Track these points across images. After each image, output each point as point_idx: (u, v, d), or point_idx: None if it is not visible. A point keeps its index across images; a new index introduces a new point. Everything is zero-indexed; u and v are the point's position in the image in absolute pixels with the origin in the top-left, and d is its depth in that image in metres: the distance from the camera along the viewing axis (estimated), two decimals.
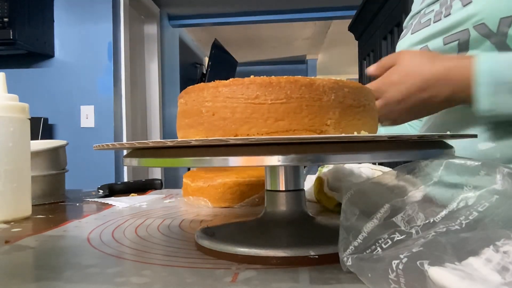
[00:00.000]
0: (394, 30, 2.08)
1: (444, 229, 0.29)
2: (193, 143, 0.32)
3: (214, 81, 0.39)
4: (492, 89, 0.50)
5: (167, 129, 3.56)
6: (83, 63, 2.57)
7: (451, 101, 0.55)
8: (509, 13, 0.54)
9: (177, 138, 0.39)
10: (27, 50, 2.40)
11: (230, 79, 0.38)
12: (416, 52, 0.61)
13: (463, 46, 0.60)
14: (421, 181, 0.34)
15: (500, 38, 0.56)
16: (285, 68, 6.02)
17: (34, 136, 0.74)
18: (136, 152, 0.41)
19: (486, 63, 0.51)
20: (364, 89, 0.40)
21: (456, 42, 0.60)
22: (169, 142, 0.33)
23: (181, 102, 0.41)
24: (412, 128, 0.83)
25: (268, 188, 0.45)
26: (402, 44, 0.71)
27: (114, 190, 0.91)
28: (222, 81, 0.38)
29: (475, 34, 0.58)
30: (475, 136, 0.40)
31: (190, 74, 4.61)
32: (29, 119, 0.63)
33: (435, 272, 0.25)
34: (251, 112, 0.36)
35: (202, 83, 0.40)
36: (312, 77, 0.38)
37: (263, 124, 0.36)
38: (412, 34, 0.69)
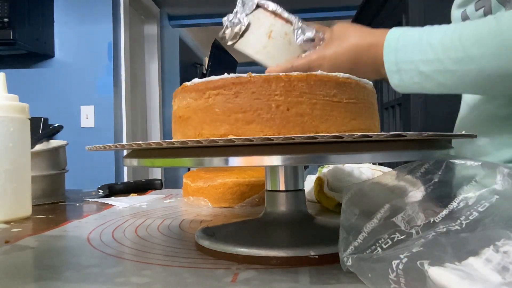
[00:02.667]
0: None
1: (444, 229, 0.29)
2: (191, 144, 0.32)
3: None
4: (395, 66, 0.52)
5: (167, 129, 3.55)
6: (83, 63, 2.57)
7: (380, 74, 0.56)
8: None
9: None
10: (27, 50, 2.39)
11: (305, 73, 0.37)
12: (348, 24, 0.62)
13: (488, 14, 0.59)
14: (421, 181, 0.34)
15: None
16: None
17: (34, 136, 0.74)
18: (136, 152, 0.41)
19: (392, 40, 0.53)
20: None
21: (482, 10, 0.60)
22: (164, 143, 0.33)
23: (222, 94, 0.37)
24: None
25: (268, 188, 0.45)
26: (454, 4, 0.70)
27: (114, 190, 0.91)
28: (295, 74, 0.36)
29: (495, 1, 0.57)
30: (474, 136, 0.40)
31: (190, 74, 4.61)
32: (29, 119, 0.63)
33: (435, 272, 0.25)
34: (331, 110, 0.36)
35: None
36: (361, 79, 0.40)
37: (342, 122, 0.36)
38: None
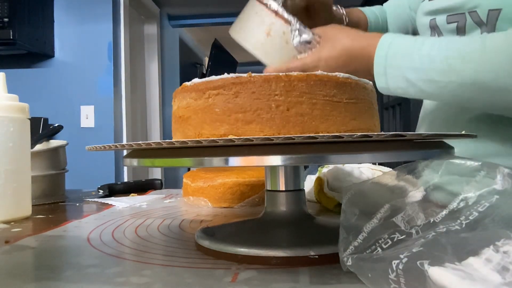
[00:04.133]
0: None
1: (444, 229, 0.29)
2: (190, 144, 0.32)
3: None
4: (383, 70, 0.54)
5: (167, 129, 3.55)
6: (83, 63, 2.57)
7: (372, 76, 0.58)
8: (496, 6, 0.56)
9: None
10: (27, 50, 2.39)
11: (304, 73, 0.37)
12: (340, 27, 0.64)
13: (461, 30, 0.62)
14: (421, 181, 0.34)
15: (490, 30, 0.58)
16: None
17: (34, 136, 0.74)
18: (136, 152, 0.41)
19: (384, 45, 0.55)
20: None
21: (455, 24, 0.62)
22: (164, 143, 0.33)
23: (223, 94, 0.37)
24: None
25: (268, 188, 0.45)
26: (420, 9, 0.73)
27: (114, 190, 0.91)
28: (295, 74, 0.36)
29: (470, 21, 0.60)
30: (474, 136, 0.40)
31: (190, 74, 4.61)
32: (29, 119, 0.63)
33: (435, 272, 0.25)
34: (331, 110, 0.36)
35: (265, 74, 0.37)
36: (361, 79, 0.40)
37: (341, 122, 0.36)
38: (429, 1, 0.70)
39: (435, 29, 0.67)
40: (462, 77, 0.51)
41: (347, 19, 0.77)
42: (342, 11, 0.77)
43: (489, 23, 0.58)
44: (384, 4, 0.88)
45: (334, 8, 0.75)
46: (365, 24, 0.83)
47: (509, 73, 0.49)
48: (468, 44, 0.52)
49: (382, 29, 0.85)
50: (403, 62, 0.54)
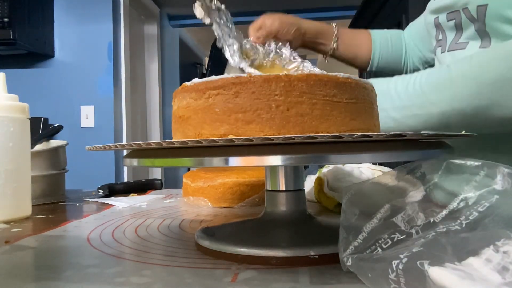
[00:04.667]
0: None
1: (444, 229, 0.29)
2: (190, 144, 0.32)
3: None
4: None
5: (167, 129, 3.55)
6: (83, 63, 2.57)
7: None
8: (483, 2, 0.58)
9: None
10: (27, 50, 2.39)
11: (304, 73, 0.37)
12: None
13: (459, 27, 0.64)
14: (421, 181, 0.34)
15: (481, 26, 0.60)
16: None
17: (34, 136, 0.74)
18: (136, 152, 0.41)
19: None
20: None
21: (454, 22, 0.64)
22: (164, 143, 0.33)
23: (223, 94, 0.37)
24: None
25: (268, 188, 0.45)
26: (427, 7, 0.74)
27: (114, 190, 0.91)
28: (295, 74, 0.36)
29: (464, 17, 0.62)
30: (474, 135, 0.40)
31: (190, 74, 4.61)
32: (29, 119, 0.63)
33: (435, 272, 0.25)
34: (331, 110, 0.36)
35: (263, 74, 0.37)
36: (361, 79, 0.40)
37: (341, 122, 0.36)
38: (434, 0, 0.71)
39: (439, 27, 0.68)
40: (441, 107, 0.54)
41: (336, 39, 0.80)
42: (334, 30, 0.80)
43: (479, 19, 0.59)
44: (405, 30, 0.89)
45: (332, 25, 0.78)
46: (366, 46, 0.84)
47: (480, 96, 0.52)
48: (438, 75, 0.55)
49: (392, 53, 0.85)
50: (385, 103, 0.56)
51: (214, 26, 0.59)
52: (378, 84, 0.58)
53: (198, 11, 0.57)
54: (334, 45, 0.82)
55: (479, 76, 0.52)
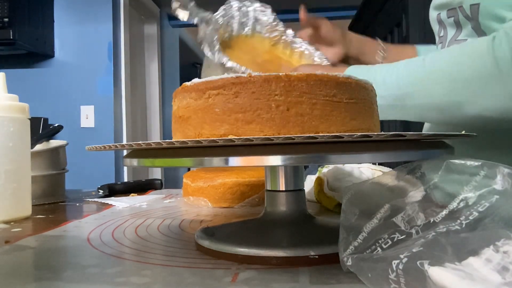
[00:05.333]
0: (394, 30, 2.08)
1: (444, 229, 0.29)
2: (190, 144, 0.32)
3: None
4: None
5: (167, 129, 3.55)
6: (83, 63, 2.57)
7: None
8: (475, 1, 0.58)
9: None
10: (27, 50, 2.40)
11: (303, 73, 0.37)
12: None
13: (458, 25, 0.64)
14: (421, 181, 0.34)
15: (476, 24, 0.60)
16: None
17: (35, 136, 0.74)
18: (136, 152, 0.41)
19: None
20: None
21: (453, 19, 0.65)
22: (164, 143, 0.33)
23: (223, 94, 0.37)
24: None
25: (268, 188, 0.45)
26: (431, 4, 0.74)
27: (114, 190, 0.91)
28: (294, 74, 0.36)
29: (461, 15, 0.62)
30: (474, 135, 0.40)
31: (190, 74, 4.60)
32: (29, 119, 0.63)
33: (435, 272, 0.25)
34: (331, 110, 0.36)
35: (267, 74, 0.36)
36: (361, 79, 0.40)
37: (342, 122, 0.36)
38: None
39: (441, 24, 0.69)
40: (415, 100, 0.55)
41: (384, 53, 0.79)
42: (381, 45, 0.79)
43: (474, 18, 0.60)
44: None
45: (378, 41, 0.78)
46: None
47: (452, 92, 0.52)
48: (413, 67, 0.56)
49: None
50: None
51: (202, 25, 0.58)
52: (359, 70, 0.59)
53: (181, 14, 0.58)
54: (381, 59, 0.80)
55: (453, 73, 0.52)
